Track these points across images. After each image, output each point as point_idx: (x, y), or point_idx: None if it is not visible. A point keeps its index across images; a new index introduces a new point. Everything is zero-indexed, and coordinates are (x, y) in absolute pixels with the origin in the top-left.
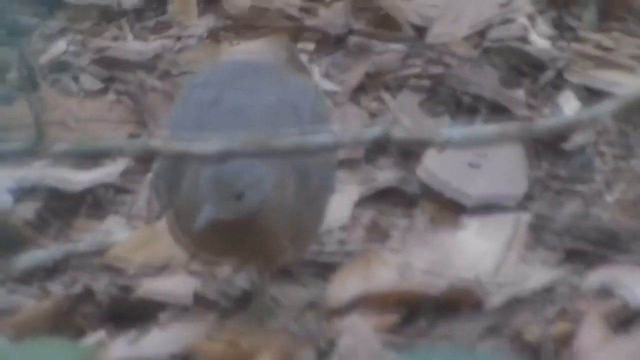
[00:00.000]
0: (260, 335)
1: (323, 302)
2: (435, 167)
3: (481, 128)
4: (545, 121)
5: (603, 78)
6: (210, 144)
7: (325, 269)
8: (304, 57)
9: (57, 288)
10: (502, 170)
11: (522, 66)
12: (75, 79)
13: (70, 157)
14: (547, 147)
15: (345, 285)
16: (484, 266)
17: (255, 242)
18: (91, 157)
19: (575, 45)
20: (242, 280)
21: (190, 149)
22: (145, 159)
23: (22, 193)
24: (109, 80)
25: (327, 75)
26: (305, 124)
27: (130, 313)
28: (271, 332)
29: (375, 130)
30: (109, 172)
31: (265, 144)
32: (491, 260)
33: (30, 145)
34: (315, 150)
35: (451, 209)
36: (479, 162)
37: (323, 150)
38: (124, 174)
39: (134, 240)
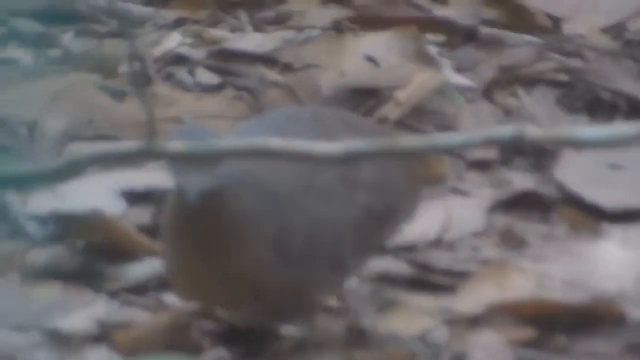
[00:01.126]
0: (383, 356)
1: (452, 314)
2: (574, 169)
3: (622, 127)
4: None
5: None
6: (335, 145)
7: (457, 278)
8: (433, 50)
9: (173, 301)
10: None
11: None
12: (191, 73)
13: (186, 159)
14: None
15: (479, 295)
16: (627, 278)
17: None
18: (208, 159)
19: None
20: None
21: (314, 150)
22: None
23: (135, 197)
24: (227, 75)
25: (459, 70)
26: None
27: (251, 331)
28: (393, 353)
29: (509, 130)
30: None
31: (393, 145)
32: (635, 272)
33: (144, 145)
34: (443, 151)
35: (591, 215)
36: (620, 164)
37: (451, 151)
38: None
39: None
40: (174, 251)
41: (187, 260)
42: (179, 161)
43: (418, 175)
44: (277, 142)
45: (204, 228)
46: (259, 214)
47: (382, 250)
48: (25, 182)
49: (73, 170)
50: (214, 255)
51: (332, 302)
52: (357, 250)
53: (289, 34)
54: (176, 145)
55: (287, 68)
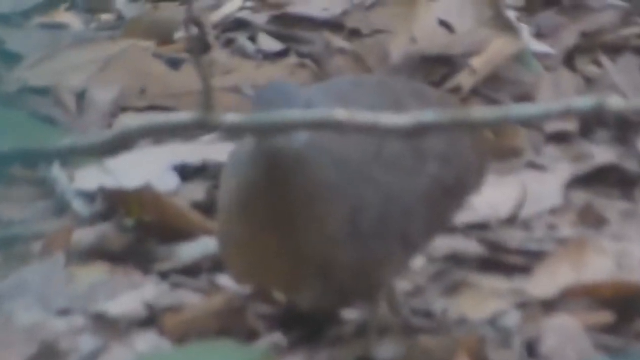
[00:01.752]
0: (450, 342)
1: (526, 296)
2: None
3: None
4: None
5: None
6: (402, 117)
7: (532, 258)
8: (511, 15)
9: (227, 283)
10: None
11: None
12: (252, 39)
13: (244, 131)
14: None
15: (554, 277)
16: None
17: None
18: (269, 131)
19: None
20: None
21: (379, 121)
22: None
23: (189, 172)
24: (290, 41)
25: (538, 36)
26: None
27: (310, 315)
28: (461, 339)
29: (590, 100)
30: None
31: (465, 117)
32: None
33: (200, 116)
34: (518, 122)
35: None
36: None
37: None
38: None
39: None
40: (234, 227)
41: (250, 235)
42: (236, 133)
43: (489, 146)
44: (341, 113)
45: (278, 197)
46: (337, 187)
47: (449, 226)
48: (73, 156)
49: (123, 143)
50: (283, 230)
51: (399, 282)
52: (427, 225)
53: None
54: (233, 117)
55: (354, 34)
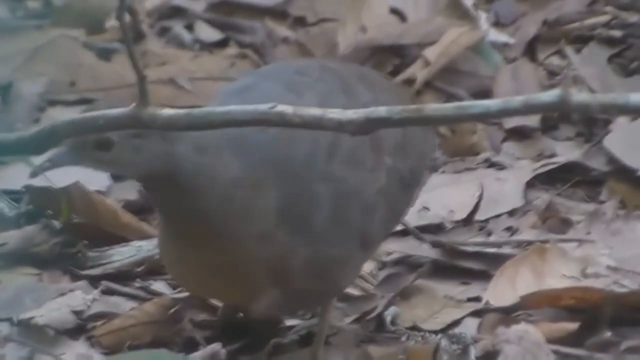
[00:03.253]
0: (401, 352)
1: (483, 303)
2: (627, 138)
3: None
4: None
5: None
6: (350, 112)
7: (490, 262)
8: (467, 2)
9: (162, 288)
10: None
11: None
12: (189, 28)
13: (180, 127)
14: None
15: (514, 283)
16: None
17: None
18: (206, 127)
19: None
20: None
21: (326, 115)
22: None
23: None
24: (230, 30)
25: (497, 25)
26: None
27: (249, 323)
28: (411, 349)
29: (552, 94)
30: None
31: (419, 112)
32: None
33: (133, 111)
34: (475, 118)
35: None
36: None
37: (485, 118)
38: None
39: None
40: (171, 240)
41: (189, 250)
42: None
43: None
44: (285, 108)
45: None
46: (259, 182)
47: (400, 223)
48: None
49: (52, 139)
50: (217, 246)
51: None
52: (384, 221)
53: None
54: (168, 112)
55: (298, 22)
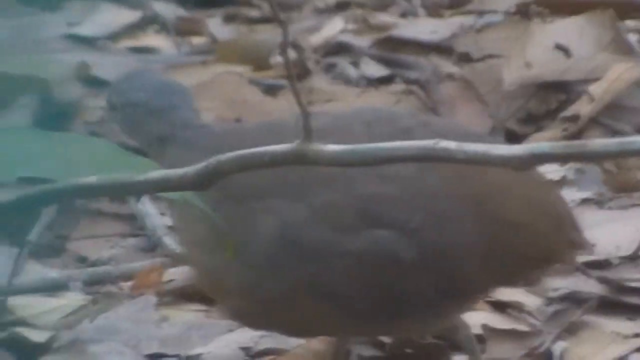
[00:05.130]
0: None
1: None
2: None
3: None
4: None
5: None
6: (515, 147)
7: (631, 311)
8: (632, 38)
9: None
10: None
11: None
12: (355, 64)
13: (345, 163)
14: None
15: None
16: None
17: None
18: (370, 163)
19: None
20: None
21: (491, 151)
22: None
23: None
24: (395, 66)
25: None
26: None
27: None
28: None
29: None
30: None
31: (581, 147)
32: None
33: (297, 147)
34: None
35: None
36: None
37: None
38: None
39: None
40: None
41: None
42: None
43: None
44: (449, 144)
45: None
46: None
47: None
48: (163, 189)
49: (216, 175)
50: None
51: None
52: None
53: (466, 19)
54: (333, 148)
55: (463, 58)
